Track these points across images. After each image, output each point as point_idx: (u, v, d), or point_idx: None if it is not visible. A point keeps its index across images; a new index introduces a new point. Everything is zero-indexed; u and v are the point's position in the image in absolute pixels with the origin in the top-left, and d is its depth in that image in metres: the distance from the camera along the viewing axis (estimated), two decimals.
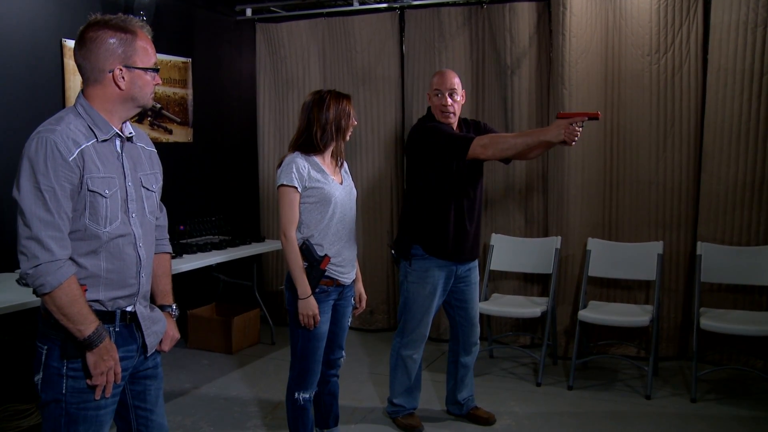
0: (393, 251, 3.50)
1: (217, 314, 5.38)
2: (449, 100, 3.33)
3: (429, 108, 3.47)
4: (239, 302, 5.53)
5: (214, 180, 5.56)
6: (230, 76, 5.68)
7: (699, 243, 4.47)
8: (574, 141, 2.96)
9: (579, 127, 2.92)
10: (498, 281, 5.10)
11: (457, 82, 3.37)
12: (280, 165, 2.95)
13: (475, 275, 3.60)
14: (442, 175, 3.38)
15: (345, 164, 3.08)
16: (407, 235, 3.42)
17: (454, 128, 3.42)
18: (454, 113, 3.38)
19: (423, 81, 5.24)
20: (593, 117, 2.92)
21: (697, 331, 4.24)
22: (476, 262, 3.61)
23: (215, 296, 5.55)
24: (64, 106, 4.07)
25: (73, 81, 4.29)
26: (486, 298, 4.72)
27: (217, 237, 5.21)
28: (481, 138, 3.13)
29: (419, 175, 3.41)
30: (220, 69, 5.60)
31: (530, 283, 5.07)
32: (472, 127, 3.55)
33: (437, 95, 3.35)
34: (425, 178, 3.39)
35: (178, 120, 5.18)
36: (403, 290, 3.51)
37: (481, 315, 4.39)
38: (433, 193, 3.35)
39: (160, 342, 2.21)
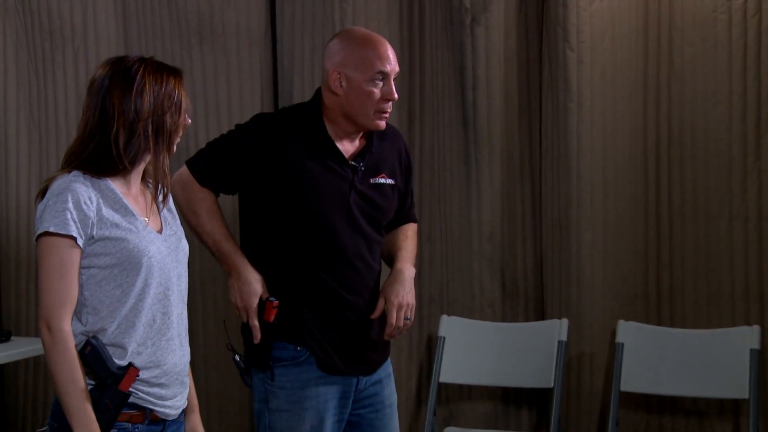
0: (237, 357, 3.16)
1: None
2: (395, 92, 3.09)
3: (319, 90, 3.10)
4: None
5: None
6: None
7: None
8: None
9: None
10: (455, 404, 4.58)
11: None
12: (42, 195, 2.57)
13: (390, 390, 3.21)
14: (285, 213, 3.06)
15: (170, 198, 2.73)
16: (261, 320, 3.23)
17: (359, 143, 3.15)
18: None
19: (311, 38, 4.52)
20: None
21: None
22: (388, 365, 3.19)
23: None
24: None
25: None
26: None
27: None
28: (189, 182, 3.00)
29: (252, 213, 3.21)
30: None
31: (514, 406, 4.52)
32: (402, 160, 3.21)
33: (379, 79, 2.99)
34: (261, 217, 3.16)
35: None
36: (262, 425, 3.20)
37: None
38: (282, 245, 3.08)
39: None
